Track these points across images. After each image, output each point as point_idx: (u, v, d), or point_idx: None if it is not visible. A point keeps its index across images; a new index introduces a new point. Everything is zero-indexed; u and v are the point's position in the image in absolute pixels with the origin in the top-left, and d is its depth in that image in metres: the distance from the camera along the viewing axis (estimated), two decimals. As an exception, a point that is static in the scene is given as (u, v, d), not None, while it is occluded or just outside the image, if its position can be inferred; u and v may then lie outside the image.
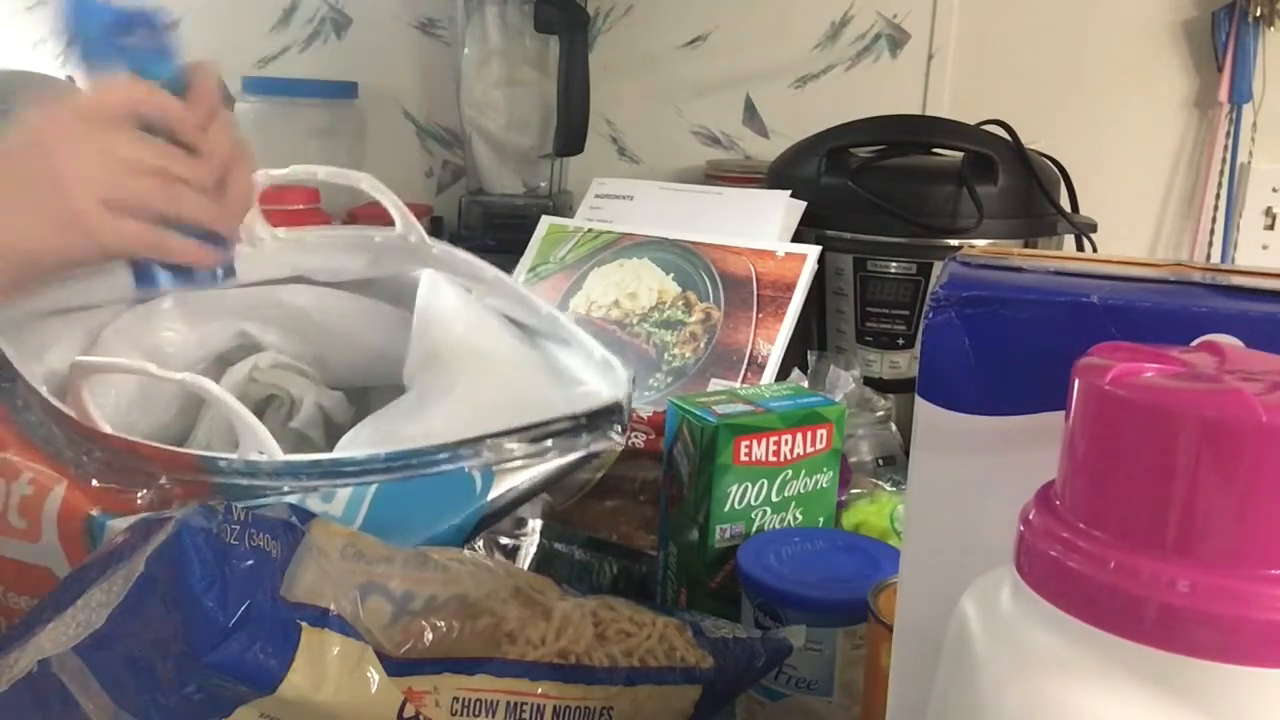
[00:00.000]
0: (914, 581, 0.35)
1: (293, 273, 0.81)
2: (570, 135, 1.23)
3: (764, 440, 0.65)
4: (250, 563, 0.42)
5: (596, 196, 1.11)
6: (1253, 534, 0.23)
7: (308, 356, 0.79)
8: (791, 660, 0.56)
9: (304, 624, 0.42)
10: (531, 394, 0.68)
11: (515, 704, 0.47)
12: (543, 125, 1.31)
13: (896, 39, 1.34)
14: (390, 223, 0.81)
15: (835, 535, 0.66)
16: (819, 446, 0.67)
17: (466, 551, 0.54)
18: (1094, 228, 1.04)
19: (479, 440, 0.58)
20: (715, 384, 0.87)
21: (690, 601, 0.66)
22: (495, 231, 1.25)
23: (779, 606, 0.58)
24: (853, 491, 0.79)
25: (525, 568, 0.64)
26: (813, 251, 0.93)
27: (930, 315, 0.32)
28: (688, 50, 1.40)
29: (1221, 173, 1.24)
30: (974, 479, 0.33)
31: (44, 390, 0.60)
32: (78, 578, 0.46)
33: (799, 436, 0.66)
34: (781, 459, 0.66)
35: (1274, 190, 1.25)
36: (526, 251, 1.04)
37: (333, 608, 0.44)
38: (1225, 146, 1.24)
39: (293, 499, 0.55)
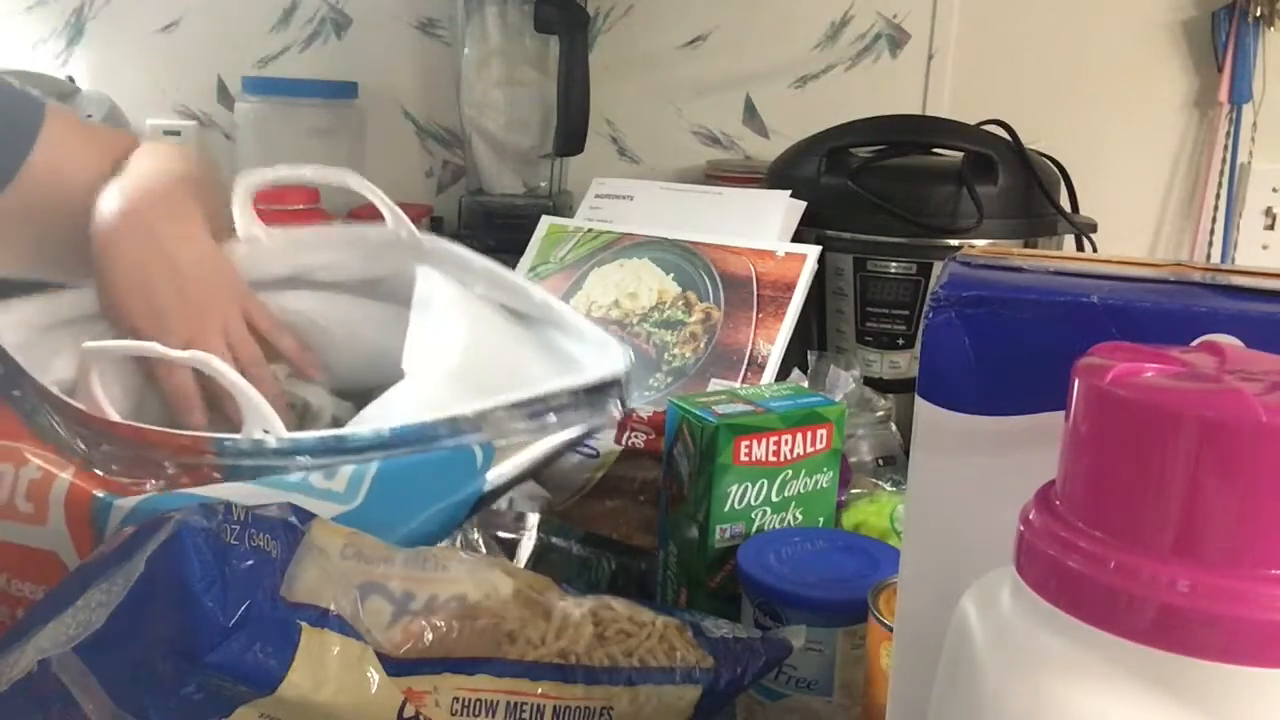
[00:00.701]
0: (914, 581, 0.35)
1: (289, 271, 0.81)
2: (570, 135, 1.23)
3: (764, 440, 0.65)
4: (250, 563, 0.42)
5: (596, 196, 1.11)
6: (1253, 534, 0.23)
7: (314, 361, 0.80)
8: (791, 660, 0.56)
9: (304, 624, 0.42)
10: (531, 373, 0.68)
11: (515, 704, 0.47)
12: (543, 125, 1.31)
13: (896, 39, 1.34)
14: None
15: (835, 535, 0.66)
16: (819, 446, 0.67)
17: (467, 552, 0.54)
18: (1094, 228, 1.04)
19: (481, 415, 0.59)
20: (715, 384, 0.87)
21: (690, 601, 0.66)
22: (495, 231, 1.25)
23: (779, 606, 0.58)
24: (853, 491, 0.79)
25: (524, 563, 0.65)
26: (813, 251, 0.93)
27: (930, 315, 0.32)
28: (688, 50, 1.40)
29: (1221, 173, 1.24)
30: (974, 479, 0.33)
31: (55, 389, 0.61)
32: (78, 578, 0.46)
33: (799, 436, 0.66)
34: (781, 459, 0.66)
35: (1274, 190, 1.25)
36: (526, 251, 1.04)
37: (333, 608, 0.44)
38: (1225, 146, 1.24)
39: (295, 478, 0.56)
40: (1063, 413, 0.26)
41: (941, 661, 0.29)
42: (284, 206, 1.17)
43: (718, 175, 1.28)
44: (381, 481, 0.56)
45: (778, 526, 0.67)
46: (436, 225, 1.36)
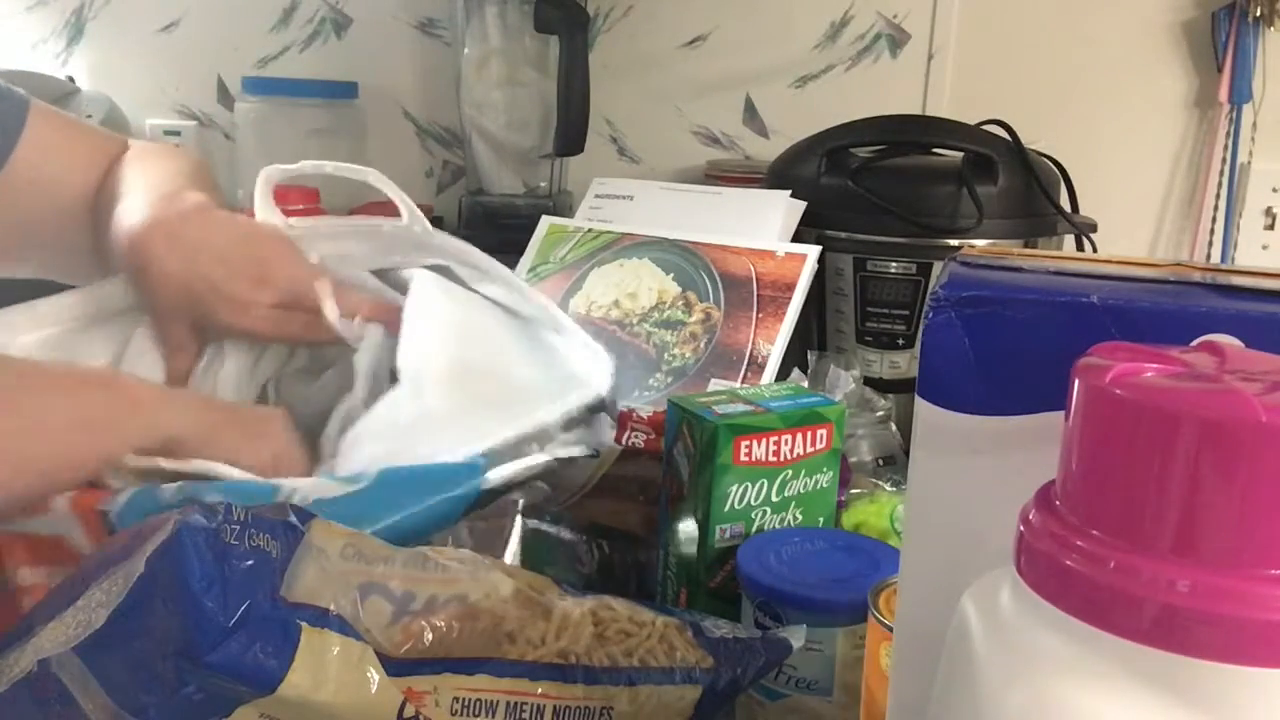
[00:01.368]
0: (914, 581, 0.35)
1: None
2: (570, 135, 1.23)
3: (764, 440, 0.65)
4: (250, 563, 0.42)
5: (596, 196, 1.11)
6: (1253, 534, 0.23)
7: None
8: (791, 660, 0.56)
9: (304, 624, 0.42)
10: (524, 381, 0.70)
11: (515, 704, 0.47)
12: (543, 125, 1.31)
13: (896, 39, 1.34)
14: (390, 213, 0.83)
15: (835, 535, 0.66)
16: (819, 446, 0.67)
17: (466, 552, 0.54)
18: (1094, 228, 1.04)
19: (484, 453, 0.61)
20: (715, 384, 0.87)
21: (690, 601, 0.66)
22: (495, 231, 1.25)
23: (779, 606, 0.58)
24: (853, 491, 0.79)
25: (510, 548, 0.65)
26: (813, 251, 0.93)
27: (930, 315, 0.32)
28: (688, 50, 1.40)
29: (1221, 173, 1.24)
30: (974, 479, 0.33)
31: None
32: (78, 578, 0.46)
33: (799, 436, 0.66)
34: (781, 459, 0.66)
35: (1274, 190, 1.25)
36: (526, 251, 1.04)
37: (333, 608, 0.44)
38: (1225, 146, 1.24)
39: None
40: (1063, 413, 0.26)
41: (941, 661, 0.29)
42: (284, 206, 1.17)
43: (718, 175, 1.28)
44: (388, 472, 0.59)
45: (778, 526, 0.67)
46: (437, 225, 1.36)
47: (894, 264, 0.99)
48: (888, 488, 0.81)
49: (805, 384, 0.85)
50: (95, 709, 0.42)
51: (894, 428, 0.90)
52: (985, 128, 1.04)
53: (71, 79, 1.53)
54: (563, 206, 1.29)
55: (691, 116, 1.42)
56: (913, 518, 0.35)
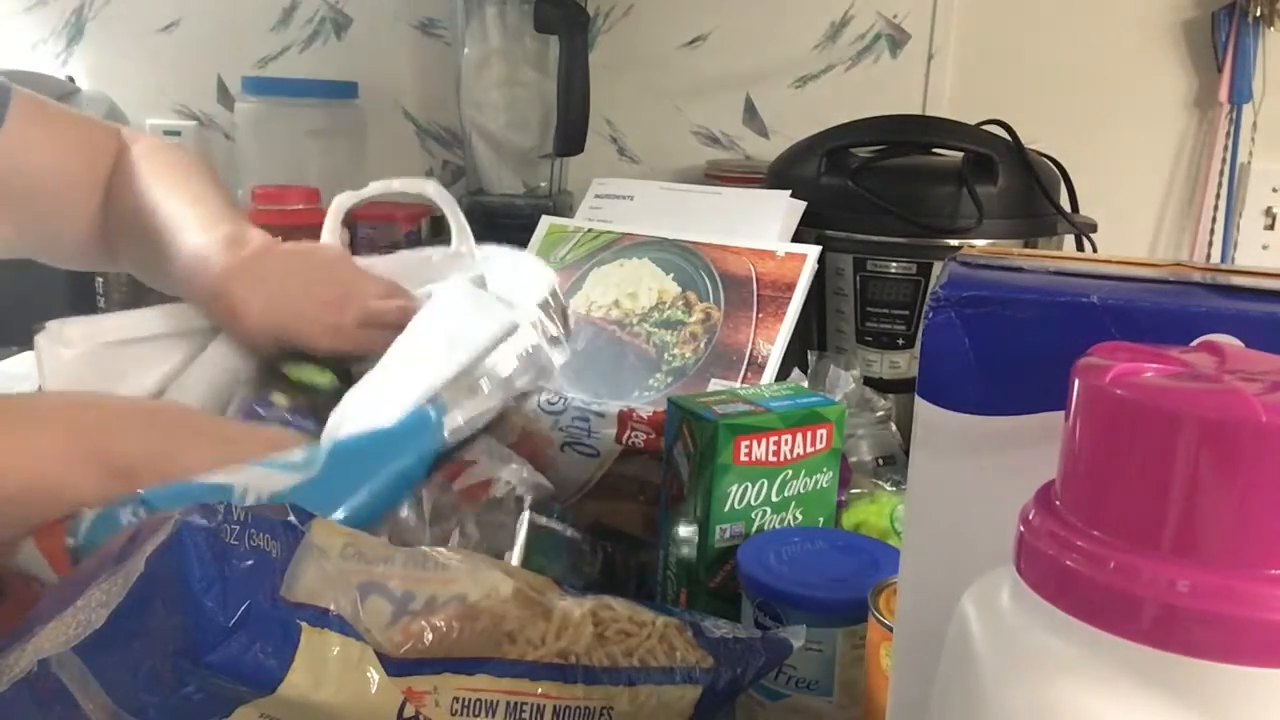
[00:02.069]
0: (914, 581, 0.35)
1: None
2: (570, 135, 1.23)
3: (764, 440, 0.65)
4: (250, 563, 0.42)
5: (596, 196, 1.11)
6: (1253, 534, 0.23)
7: None
8: (791, 660, 0.56)
9: (304, 624, 0.42)
10: (467, 328, 0.71)
11: (515, 704, 0.47)
12: (543, 125, 1.31)
13: (896, 39, 1.34)
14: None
15: (835, 535, 0.66)
16: (819, 446, 0.67)
17: (466, 551, 0.54)
18: (1094, 228, 1.04)
19: (429, 397, 0.61)
20: (715, 384, 0.87)
21: (690, 601, 0.66)
22: (495, 231, 1.25)
23: (779, 606, 0.58)
24: (853, 491, 0.79)
25: (517, 545, 0.65)
26: (813, 251, 0.93)
27: (930, 315, 0.32)
28: (688, 50, 1.40)
29: (1221, 173, 1.24)
30: (974, 479, 0.33)
31: None
32: (78, 578, 0.46)
33: (799, 436, 0.66)
34: (781, 459, 0.66)
35: (1274, 190, 1.25)
36: (526, 251, 1.04)
37: (333, 608, 0.44)
38: (1225, 146, 1.24)
39: None
40: (1063, 413, 0.26)
41: (941, 661, 0.29)
42: (284, 206, 1.17)
43: (718, 175, 1.28)
44: (339, 450, 0.58)
45: (778, 526, 0.67)
46: (437, 225, 1.36)
47: (894, 264, 0.99)
48: (888, 488, 0.81)
49: (805, 384, 0.85)
50: (95, 709, 0.42)
51: (894, 428, 0.90)
52: (985, 128, 1.04)
53: (71, 79, 1.53)
54: (563, 206, 1.29)
55: (691, 116, 1.42)
56: (913, 518, 0.35)
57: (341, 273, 0.81)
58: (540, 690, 0.48)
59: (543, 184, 1.34)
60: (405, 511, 0.60)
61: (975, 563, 0.29)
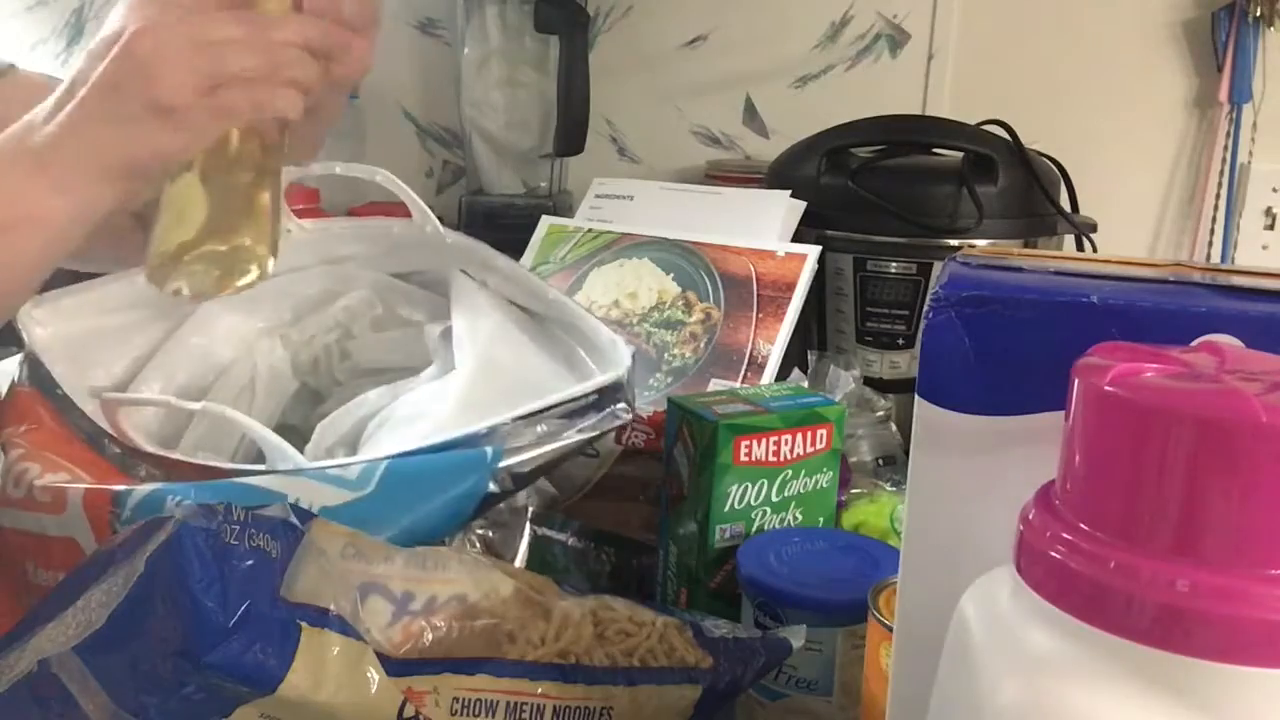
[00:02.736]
0: (914, 581, 0.35)
1: (320, 261, 0.83)
2: (570, 135, 1.23)
3: (764, 440, 0.65)
4: (250, 563, 0.42)
5: (596, 196, 1.11)
6: (1253, 534, 0.23)
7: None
8: (791, 660, 0.56)
9: (304, 624, 0.43)
10: (543, 377, 0.70)
11: (515, 704, 0.47)
12: (543, 125, 1.31)
13: (896, 39, 1.34)
14: (388, 214, 0.83)
15: (835, 535, 0.66)
16: (819, 446, 0.67)
17: (466, 551, 0.54)
18: (1094, 228, 1.04)
19: (492, 430, 0.60)
20: (715, 384, 0.87)
21: (690, 601, 0.66)
22: (495, 231, 1.25)
23: (779, 606, 0.58)
24: (853, 491, 0.79)
25: (518, 558, 0.65)
26: (813, 251, 0.93)
27: (930, 315, 0.32)
28: (688, 50, 1.40)
29: (1221, 173, 1.24)
30: (974, 479, 0.33)
31: (88, 409, 0.65)
32: (78, 578, 0.46)
33: (799, 436, 0.66)
34: (781, 459, 0.66)
35: (1274, 190, 1.25)
36: (526, 251, 1.04)
37: (333, 608, 0.44)
38: (1225, 146, 1.24)
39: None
40: (1063, 413, 0.26)
41: (941, 661, 0.29)
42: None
43: (718, 175, 1.28)
44: (393, 473, 0.57)
45: (778, 526, 0.67)
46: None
47: (894, 264, 0.99)
48: (888, 488, 0.81)
49: (805, 384, 0.85)
50: (95, 709, 0.42)
51: (894, 428, 0.90)
52: (985, 128, 1.04)
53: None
54: (563, 206, 1.28)
55: (691, 116, 1.42)
56: (913, 518, 0.35)
57: (141, 50, 0.60)
58: (540, 690, 0.48)
59: (543, 184, 1.34)
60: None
61: (975, 563, 0.29)
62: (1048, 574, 0.25)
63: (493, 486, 0.58)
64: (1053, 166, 1.06)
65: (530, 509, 0.67)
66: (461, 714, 0.46)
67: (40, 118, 0.61)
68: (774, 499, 0.66)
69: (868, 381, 0.94)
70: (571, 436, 0.62)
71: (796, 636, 0.55)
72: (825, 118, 1.10)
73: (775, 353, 0.88)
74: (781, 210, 1.00)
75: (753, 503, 0.65)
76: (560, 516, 0.68)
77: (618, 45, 1.41)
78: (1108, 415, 0.24)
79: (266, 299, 0.80)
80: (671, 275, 0.96)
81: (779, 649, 0.55)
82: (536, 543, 0.66)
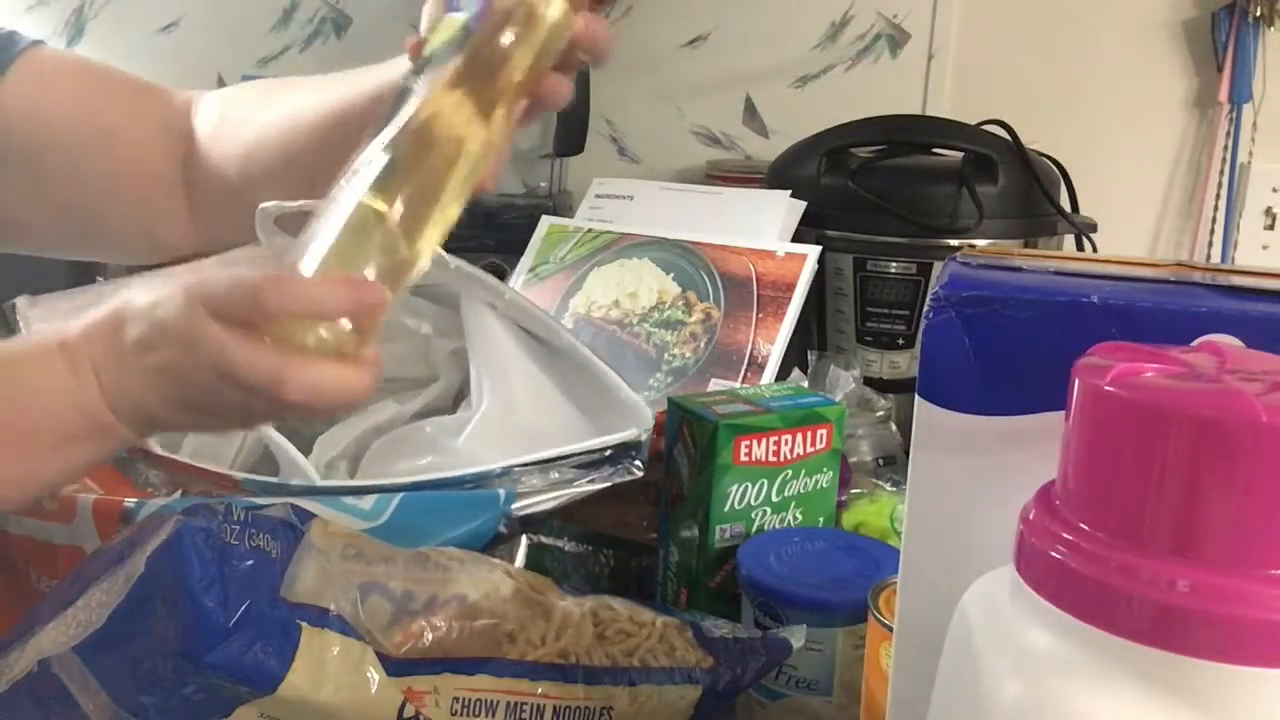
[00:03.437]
0: (914, 581, 0.35)
1: None
2: (570, 135, 1.23)
3: (764, 440, 0.65)
4: (250, 563, 0.42)
5: (596, 196, 1.11)
6: (1253, 534, 0.23)
7: None
8: (791, 660, 0.56)
9: (304, 624, 0.43)
10: (556, 420, 0.71)
11: (515, 704, 0.47)
12: (543, 125, 1.30)
13: (896, 39, 1.34)
14: None
15: (835, 535, 0.66)
16: (819, 446, 0.67)
17: (466, 552, 0.54)
18: (1094, 228, 1.04)
19: (506, 471, 0.62)
20: (715, 384, 0.87)
21: (690, 601, 0.66)
22: (495, 231, 1.25)
23: (779, 606, 0.58)
24: (853, 491, 0.79)
25: (517, 563, 0.65)
26: (813, 251, 0.93)
27: (930, 315, 0.32)
28: (688, 50, 1.40)
29: (1221, 173, 1.24)
30: (974, 479, 0.33)
31: None
32: (78, 578, 0.46)
33: (799, 436, 0.66)
34: (781, 459, 0.66)
35: (1274, 190, 1.25)
36: (526, 251, 1.04)
37: (333, 608, 0.44)
38: (1225, 146, 1.24)
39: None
40: (1063, 413, 0.26)
41: (941, 661, 0.29)
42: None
43: (718, 175, 1.28)
44: (406, 506, 0.58)
45: (778, 526, 0.67)
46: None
47: (894, 264, 0.99)
48: (888, 488, 0.81)
49: (805, 384, 0.85)
50: (95, 709, 0.42)
51: (894, 428, 0.90)
52: (985, 128, 1.04)
53: (71, 79, 1.53)
54: (563, 206, 1.28)
55: (691, 116, 1.42)
56: (913, 518, 0.35)
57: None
58: (540, 690, 0.48)
59: (543, 184, 1.34)
60: None
61: (975, 563, 0.29)
62: (1048, 574, 0.25)
63: (501, 527, 0.60)
64: (1053, 166, 1.05)
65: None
66: (461, 714, 0.46)
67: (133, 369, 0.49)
68: (774, 499, 0.66)
69: (868, 381, 0.94)
70: (583, 486, 0.64)
71: (796, 636, 0.55)
72: (825, 118, 1.10)
73: (775, 353, 0.88)
74: (781, 210, 1.00)
75: (753, 503, 0.65)
76: (556, 523, 0.68)
77: (618, 45, 1.41)
78: (1108, 415, 0.24)
79: None
80: (671, 275, 0.96)
81: (779, 649, 0.55)
82: (533, 550, 0.66)
